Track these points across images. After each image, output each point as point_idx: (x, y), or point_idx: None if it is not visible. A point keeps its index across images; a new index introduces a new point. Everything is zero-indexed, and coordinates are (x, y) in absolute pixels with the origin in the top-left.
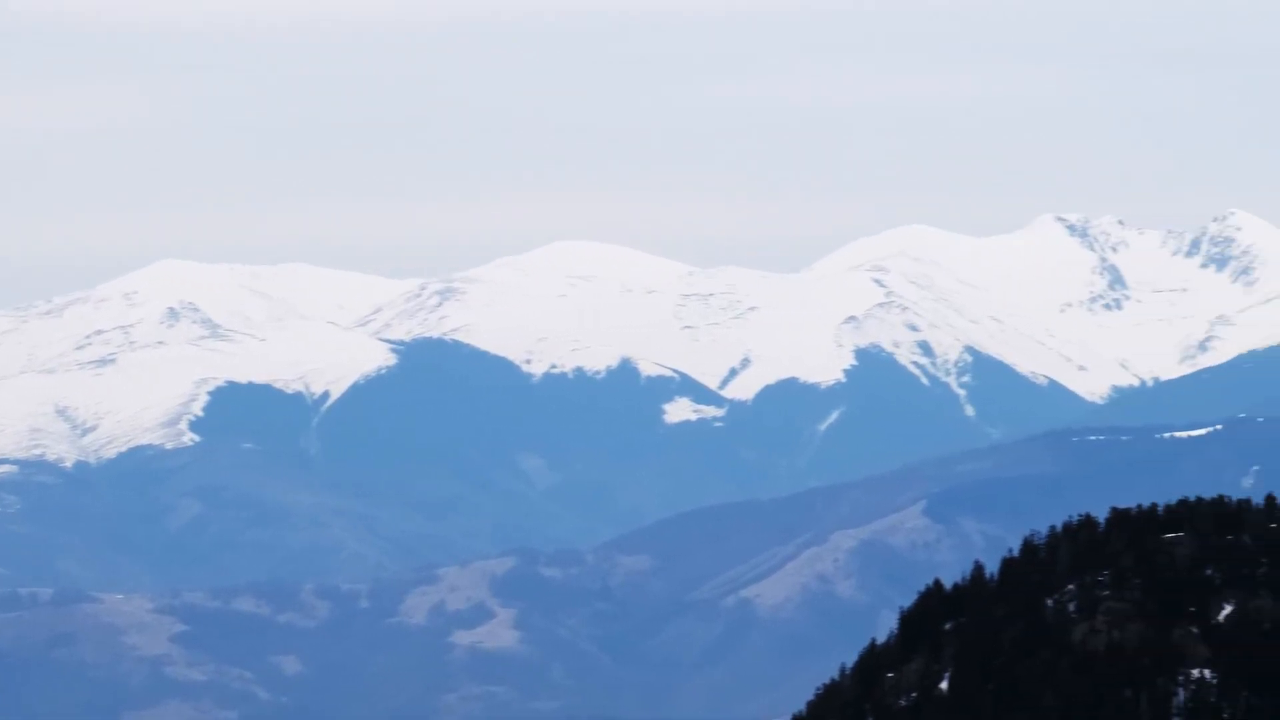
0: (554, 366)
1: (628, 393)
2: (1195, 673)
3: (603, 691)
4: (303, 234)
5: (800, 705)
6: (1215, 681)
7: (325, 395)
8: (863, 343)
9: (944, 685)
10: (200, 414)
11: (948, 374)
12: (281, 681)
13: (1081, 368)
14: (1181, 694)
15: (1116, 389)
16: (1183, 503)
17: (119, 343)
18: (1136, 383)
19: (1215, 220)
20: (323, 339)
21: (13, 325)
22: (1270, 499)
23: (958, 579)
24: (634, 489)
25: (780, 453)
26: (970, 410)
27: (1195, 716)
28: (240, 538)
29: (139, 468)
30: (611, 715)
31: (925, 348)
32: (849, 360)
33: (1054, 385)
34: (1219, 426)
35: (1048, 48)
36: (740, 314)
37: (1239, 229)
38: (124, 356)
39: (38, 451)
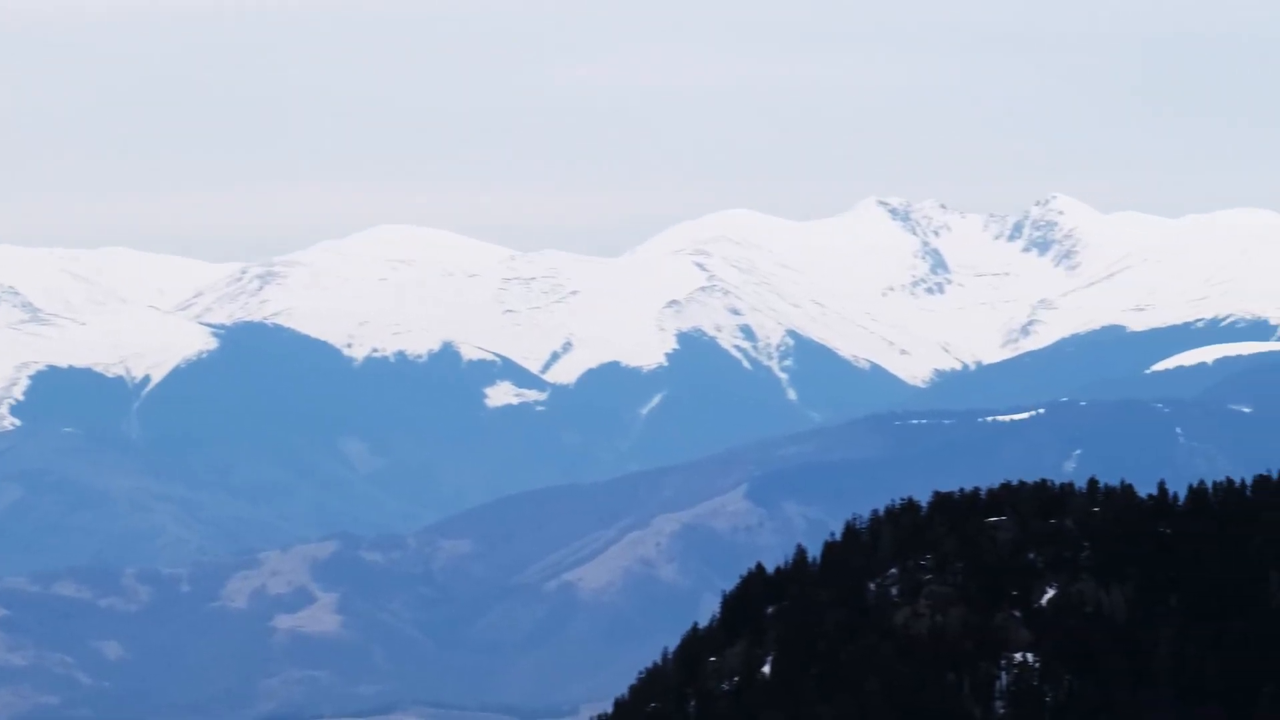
0: (375, 350)
1: (449, 377)
2: (1018, 657)
3: (425, 676)
4: (123, 218)
5: (622, 689)
6: (1038, 665)
7: (146, 379)
8: (684, 326)
9: (766, 669)
10: (20, 398)
11: (770, 358)
12: (103, 666)
13: (904, 351)
14: (1004, 678)
15: (939, 372)
16: (1005, 486)
17: None
18: (959, 366)
19: (1037, 204)
20: (143, 323)
21: None
22: (1092, 482)
23: (780, 563)
24: (456, 473)
25: (602, 436)
26: (792, 394)
27: (1018, 700)
28: (61, 522)
29: None
30: (434, 699)
31: (747, 331)
32: (671, 344)
33: (876, 369)
34: (1041, 410)
35: (871, 32)
36: (562, 298)
37: (1061, 213)
38: None
39: None
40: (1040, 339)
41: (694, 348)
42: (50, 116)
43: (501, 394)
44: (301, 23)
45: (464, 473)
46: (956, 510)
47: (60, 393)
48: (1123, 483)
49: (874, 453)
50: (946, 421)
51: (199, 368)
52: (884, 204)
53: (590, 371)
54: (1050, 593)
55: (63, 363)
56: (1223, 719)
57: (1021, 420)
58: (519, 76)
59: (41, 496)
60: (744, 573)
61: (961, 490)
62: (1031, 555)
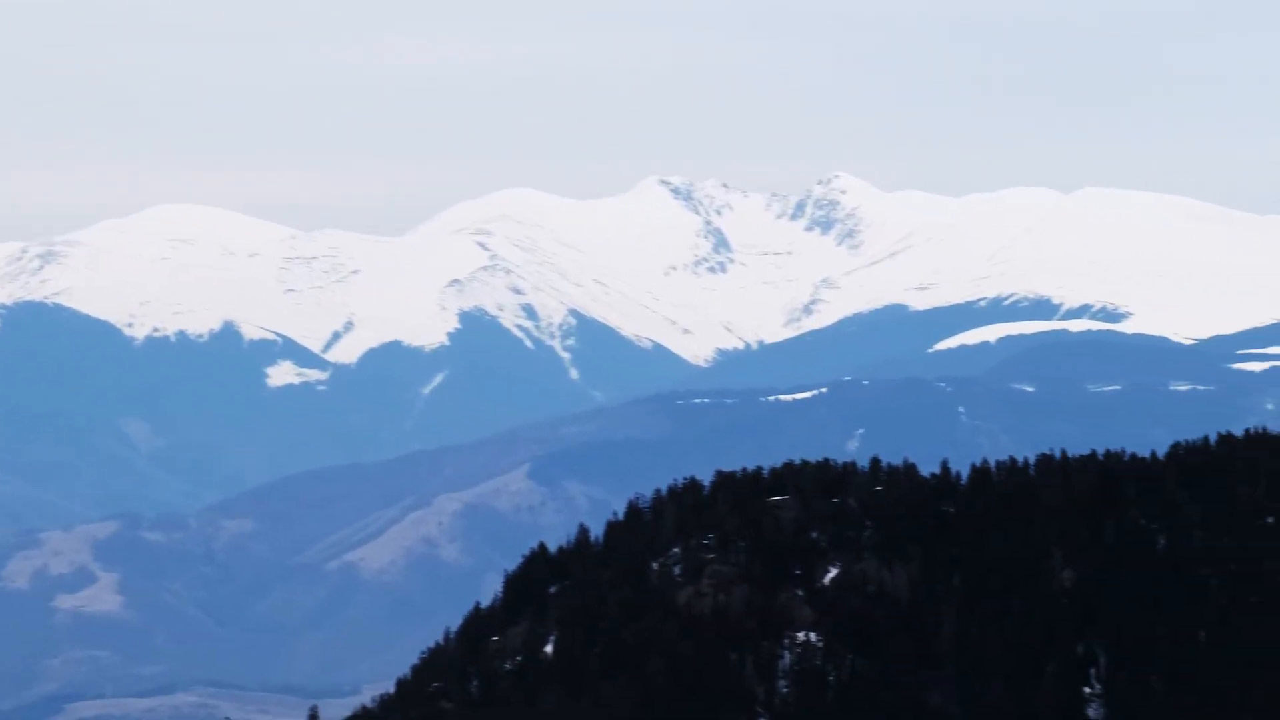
0: (156, 330)
1: (231, 356)
2: (801, 635)
3: (207, 655)
4: None
5: (405, 669)
6: (821, 644)
7: None
8: (466, 306)
9: (549, 648)
10: None
11: (552, 337)
12: None
13: (686, 331)
14: (787, 657)
15: (721, 352)
16: (788, 466)
17: None
18: (741, 346)
19: (820, 183)
20: None
21: None
22: (875, 462)
23: (562, 542)
24: (237, 453)
25: (384, 416)
26: (575, 373)
27: (801, 680)
28: None
29: None
30: (216, 679)
31: (529, 311)
32: (453, 323)
33: (658, 348)
34: (824, 389)
35: (653, 12)
36: (343, 277)
37: (843, 192)
38: None
39: None
40: (822, 318)
41: (476, 327)
42: None
43: (283, 373)
44: (81, 3)
45: (245, 452)
46: (739, 489)
47: None
48: (905, 462)
49: (656, 432)
50: (729, 401)
51: None
52: (666, 183)
53: (372, 351)
54: (833, 572)
55: None
56: (1005, 697)
57: (804, 399)
58: (299, 56)
59: None
60: (526, 552)
61: (744, 469)
62: (814, 534)
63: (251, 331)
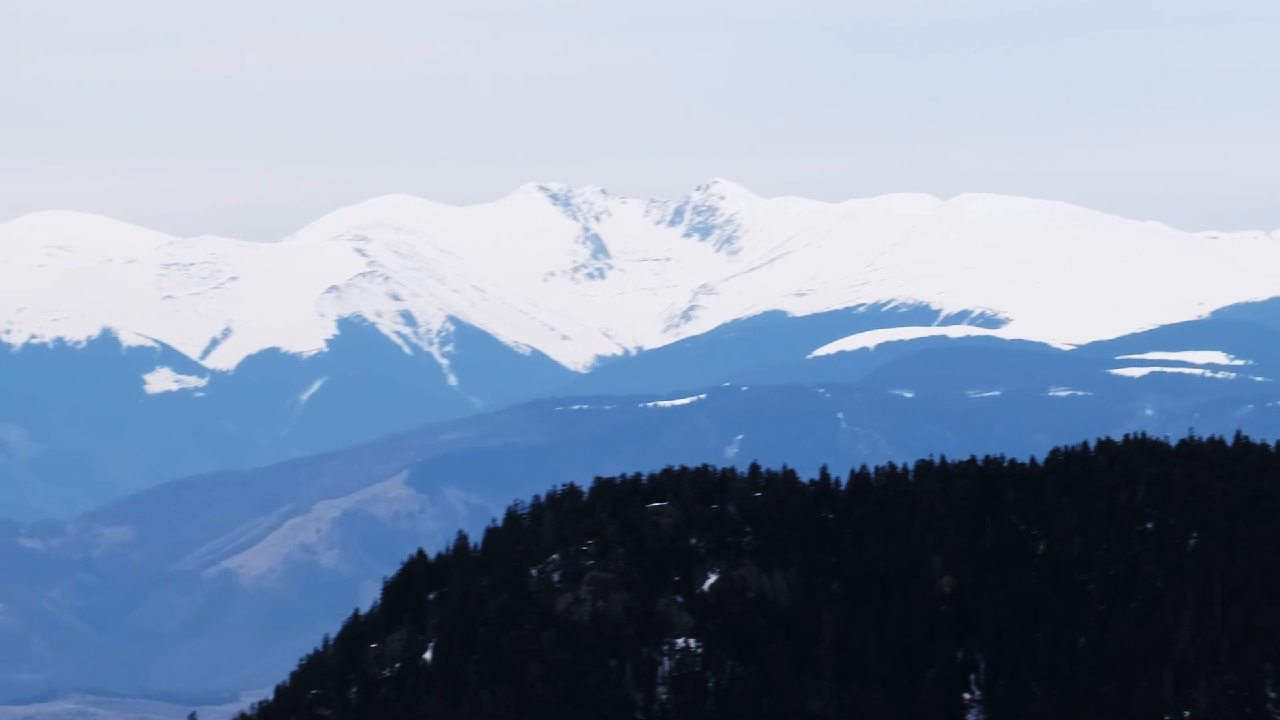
0: (34, 337)
1: (108, 363)
2: (680, 642)
3: (85, 663)
4: None
5: (284, 676)
6: (700, 650)
7: None
8: (345, 312)
9: (428, 655)
10: None
11: (430, 343)
12: None
13: (565, 337)
14: (666, 663)
15: (600, 358)
16: (667, 472)
17: None
18: (620, 352)
19: (698, 189)
20: None
21: None
22: (754, 468)
23: (441, 549)
24: (116, 460)
25: (262, 423)
26: (453, 380)
27: (680, 686)
28: None
29: None
30: (94, 687)
31: (408, 317)
32: (331, 330)
33: (537, 354)
34: (702, 395)
35: (531, 16)
36: (221, 284)
37: (722, 198)
38: None
39: None
40: (701, 324)
41: (354, 334)
42: None
43: (161, 380)
44: None
45: (124, 459)
46: (618, 496)
47: None
48: (785, 468)
49: (535, 438)
50: (608, 407)
51: None
52: (544, 189)
53: (250, 357)
54: (712, 578)
55: None
56: (884, 703)
57: (683, 405)
58: (176, 61)
59: None
60: (405, 559)
61: (623, 476)
62: (694, 540)
63: (129, 338)
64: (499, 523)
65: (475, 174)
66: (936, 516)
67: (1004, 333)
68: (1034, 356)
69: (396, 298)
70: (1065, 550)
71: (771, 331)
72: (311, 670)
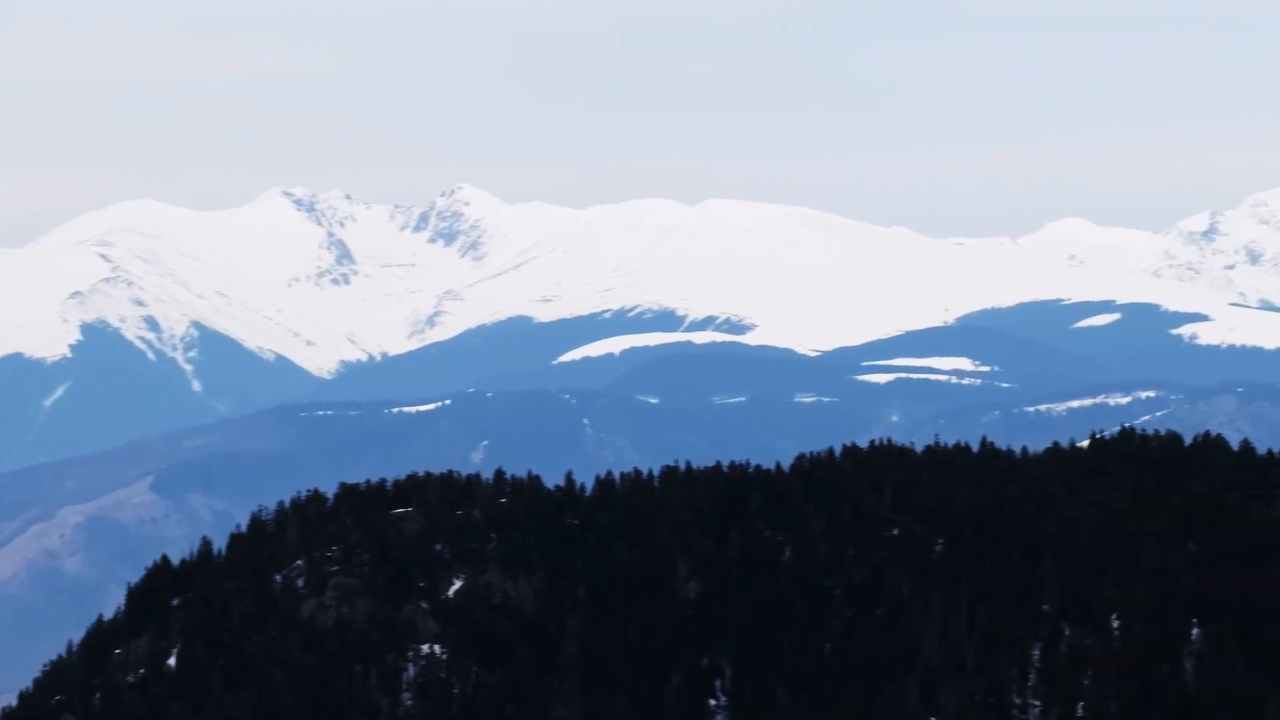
0: None
1: None
2: (425, 648)
3: None
4: None
5: (28, 681)
6: (445, 656)
7: None
8: (89, 317)
9: (172, 661)
10: None
11: (174, 349)
12: None
13: (310, 343)
14: (412, 669)
15: (345, 364)
16: (412, 478)
17: None
18: (365, 358)
19: (443, 195)
20: None
21: None
22: (499, 474)
23: (186, 555)
24: None
25: (6, 428)
26: (197, 385)
27: (426, 692)
28: None
29: None
30: None
31: (151, 323)
32: (75, 335)
33: (282, 360)
34: (447, 401)
35: (278, 23)
36: None
37: (467, 203)
38: None
39: None
40: (447, 330)
41: (98, 339)
42: None
43: None
44: None
45: None
46: (363, 502)
47: None
48: (530, 474)
49: (280, 444)
50: (353, 413)
51: None
52: (289, 194)
53: None
54: (458, 584)
55: None
56: (629, 709)
57: (428, 411)
58: None
59: None
60: (149, 565)
61: (368, 482)
62: (439, 546)
63: None
64: (243, 528)
65: (220, 179)
66: (682, 522)
67: (750, 339)
68: (779, 363)
69: (140, 303)
70: (811, 556)
71: (517, 338)
72: (55, 676)
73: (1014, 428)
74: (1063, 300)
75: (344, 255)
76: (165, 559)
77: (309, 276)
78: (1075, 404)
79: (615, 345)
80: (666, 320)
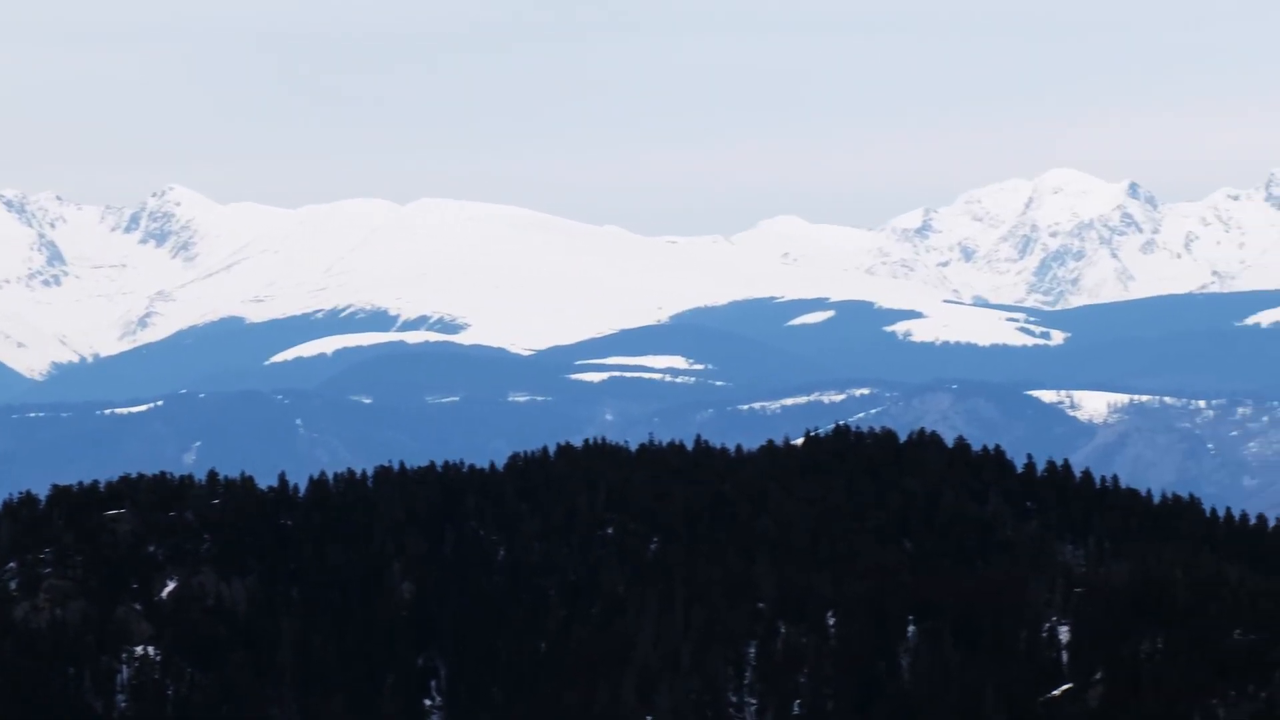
0: None
1: None
2: (139, 650)
3: None
4: None
5: None
6: (159, 658)
7: None
8: None
9: None
10: None
11: None
12: None
13: (20, 344)
14: (125, 671)
15: (56, 365)
16: (124, 479)
17: None
18: (76, 359)
19: (155, 196)
20: None
21: None
22: (212, 474)
23: None
24: None
25: None
26: None
27: (140, 694)
28: None
29: None
30: None
31: None
32: None
33: None
34: (160, 402)
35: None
36: None
37: (178, 204)
38: None
39: None
40: (159, 331)
41: None
42: None
43: None
44: None
45: None
46: (75, 503)
47: None
48: (243, 475)
49: None
50: (65, 415)
51: None
52: None
53: None
54: (171, 585)
55: None
56: (345, 710)
57: (141, 412)
58: None
59: None
60: None
61: (80, 483)
62: (152, 548)
63: None
64: None
65: None
66: (396, 523)
67: (462, 338)
68: (493, 362)
69: None
70: (526, 556)
71: (229, 338)
72: None
73: (728, 426)
74: (776, 298)
75: (55, 256)
76: None
77: (20, 278)
78: (789, 402)
79: (328, 345)
80: (379, 320)
